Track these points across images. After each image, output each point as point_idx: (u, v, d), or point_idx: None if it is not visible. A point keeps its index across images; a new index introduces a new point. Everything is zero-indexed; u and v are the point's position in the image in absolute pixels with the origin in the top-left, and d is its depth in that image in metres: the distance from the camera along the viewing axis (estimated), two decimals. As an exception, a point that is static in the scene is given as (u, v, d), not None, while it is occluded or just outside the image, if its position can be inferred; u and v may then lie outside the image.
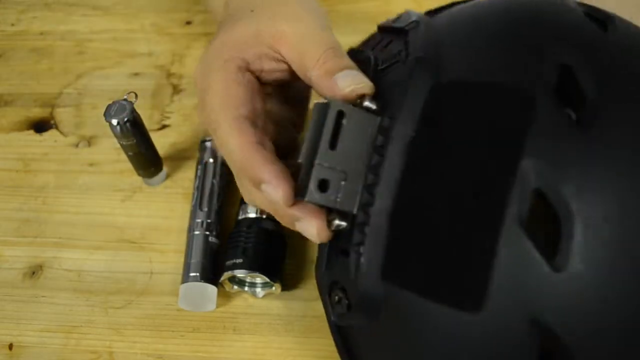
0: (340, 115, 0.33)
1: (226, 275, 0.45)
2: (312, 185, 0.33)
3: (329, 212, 0.35)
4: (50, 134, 0.57)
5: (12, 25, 0.65)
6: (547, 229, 0.30)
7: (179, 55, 0.61)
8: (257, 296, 0.47)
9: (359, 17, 0.61)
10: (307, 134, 0.35)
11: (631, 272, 0.30)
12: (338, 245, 0.36)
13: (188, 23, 0.63)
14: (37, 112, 0.59)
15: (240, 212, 0.48)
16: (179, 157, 0.55)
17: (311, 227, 0.35)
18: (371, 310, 0.33)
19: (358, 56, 0.39)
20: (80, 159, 0.56)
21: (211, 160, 0.51)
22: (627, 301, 0.30)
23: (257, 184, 0.36)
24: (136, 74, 0.60)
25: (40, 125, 0.58)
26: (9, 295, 0.49)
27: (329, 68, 0.36)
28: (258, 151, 0.36)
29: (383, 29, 0.40)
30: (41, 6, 0.66)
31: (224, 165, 0.52)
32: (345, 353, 0.38)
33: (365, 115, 0.34)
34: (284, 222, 0.37)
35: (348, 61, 0.36)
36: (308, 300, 0.47)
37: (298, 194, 0.34)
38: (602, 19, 0.35)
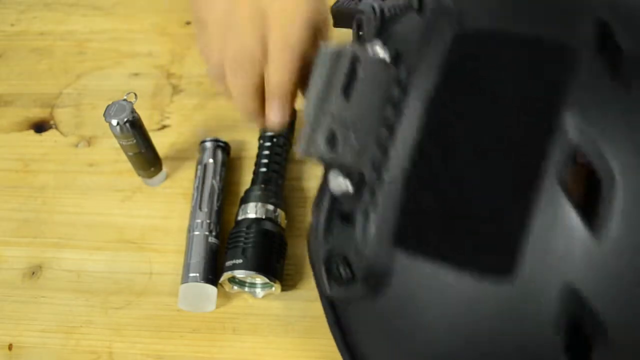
0: (355, 62, 0.31)
1: (226, 275, 0.45)
2: (321, 139, 0.30)
3: (331, 169, 0.32)
4: (50, 134, 0.57)
5: (12, 25, 0.65)
6: (586, 191, 0.28)
7: (178, 55, 0.61)
8: (257, 296, 0.47)
9: (359, 17, 0.61)
10: (311, 84, 0.32)
11: None
12: (339, 210, 0.33)
13: (188, 23, 0.63)
14: (36, 112, 0.59)
15: (240, 212, 0.48)
16: (178, 157, 0.55)
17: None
18: (378, 283, 0.30)
19: (358, 6, 0.36)
20: (80, 159, 0.55)
21: (211, 160, 0.51)
22: None
23: (277, 97, 0.39)
24: (136, 74, 0.60)
25: (40, 126, 0.58)
26: (8, 296, 0.49)
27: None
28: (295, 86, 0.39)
29: None
30: (41, 6, 0.66)
31: (224, 166, 0.52)
32: (339, 334, 0.35)
33: (381, 65, 0.31)
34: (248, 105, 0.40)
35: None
36: (308, 301, 0.47)
37: (303, 149, 0.31)
38: None
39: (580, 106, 0.28)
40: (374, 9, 0.35)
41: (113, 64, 0.61)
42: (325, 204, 0.34)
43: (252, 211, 0.47)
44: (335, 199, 0.34)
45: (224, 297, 0.48)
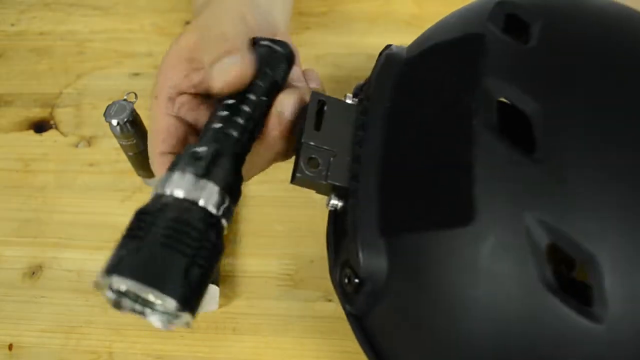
0: (321, 103, 0.37)
1: (97, 281, 0.29)
2: (302, 162, 0.36)
3: (329, 193, 0.37)
4: (50, 134, 0.57)
5: (12, 25, 0.65)
6: (520, 130, 0.31)
7: (179, 55, 0.61)
8: (154, 323, 0.31)
9: (359, 17, 0.61)
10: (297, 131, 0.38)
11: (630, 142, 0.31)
12: (341, 228, 0.37)
13: (188, 23, 0.63)
14: (37, 112, 0.59)
15: (160, 184, 0.31)
16: (178, 157, 0.55)
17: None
18: (378, 277, 0.33)
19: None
20: (80, 159, 0.56)
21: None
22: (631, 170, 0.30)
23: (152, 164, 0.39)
24: (136, 74, 0.60)
25: (40, 125, 0.58)
26: (9, 296, 0.49)
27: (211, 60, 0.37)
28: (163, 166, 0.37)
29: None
30: (41, 6, 0.66)
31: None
32: (368, 345, 0.37)
33: (345, 103, 0.38)
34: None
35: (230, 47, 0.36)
36: (307, 301, 0.47)
37: (292, 175, 0.36)
38: None
39: (495, 70, 0.33)
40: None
41: (113, 64, 0.61)
42: (331, 228, 0.39)
43: (177, 185, 0.29)
44: (336, 219, 0.39)
45: (224, 296, 0.48)
